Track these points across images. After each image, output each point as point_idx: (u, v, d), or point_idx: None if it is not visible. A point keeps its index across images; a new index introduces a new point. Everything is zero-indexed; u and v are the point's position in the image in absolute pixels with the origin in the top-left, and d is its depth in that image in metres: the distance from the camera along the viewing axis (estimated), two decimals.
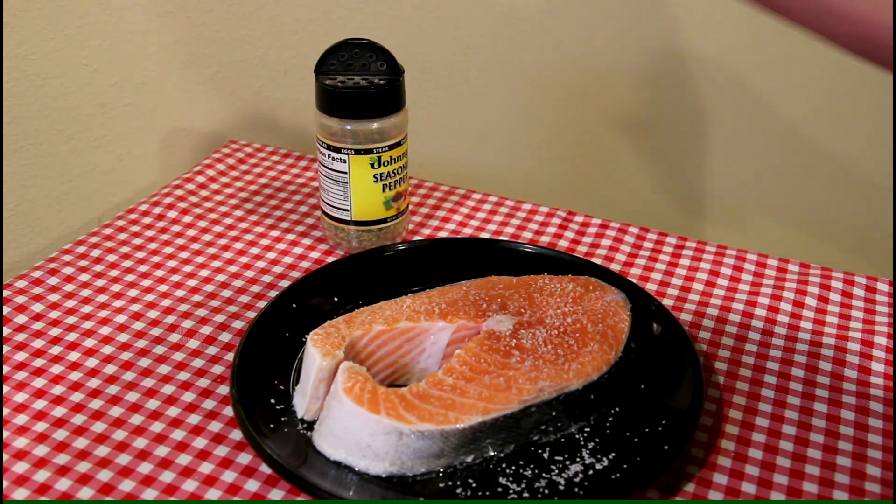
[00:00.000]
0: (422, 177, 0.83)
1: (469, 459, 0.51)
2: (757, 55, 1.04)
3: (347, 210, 0.69)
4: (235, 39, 0.89)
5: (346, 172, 0.67)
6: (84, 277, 0.68)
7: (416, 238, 0.74)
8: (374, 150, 0.66)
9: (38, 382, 0.58)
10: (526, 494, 0.49)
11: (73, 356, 0.60)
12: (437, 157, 1.12)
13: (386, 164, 0.67)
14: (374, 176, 0.67)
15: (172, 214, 0.77)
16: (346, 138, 0.66)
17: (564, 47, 0.98)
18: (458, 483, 0.50)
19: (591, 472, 0.50)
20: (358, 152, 0.66)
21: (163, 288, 0.67)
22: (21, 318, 0.64)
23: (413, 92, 1.11)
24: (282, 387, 0.55)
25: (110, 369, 0.59)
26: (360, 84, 0.65)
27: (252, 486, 0.51)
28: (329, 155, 0.67)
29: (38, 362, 0.60)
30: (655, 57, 1.07)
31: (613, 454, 0.51)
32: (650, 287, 0.68)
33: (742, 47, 1.03)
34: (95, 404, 0.56)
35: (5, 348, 0.61)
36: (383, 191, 0.68)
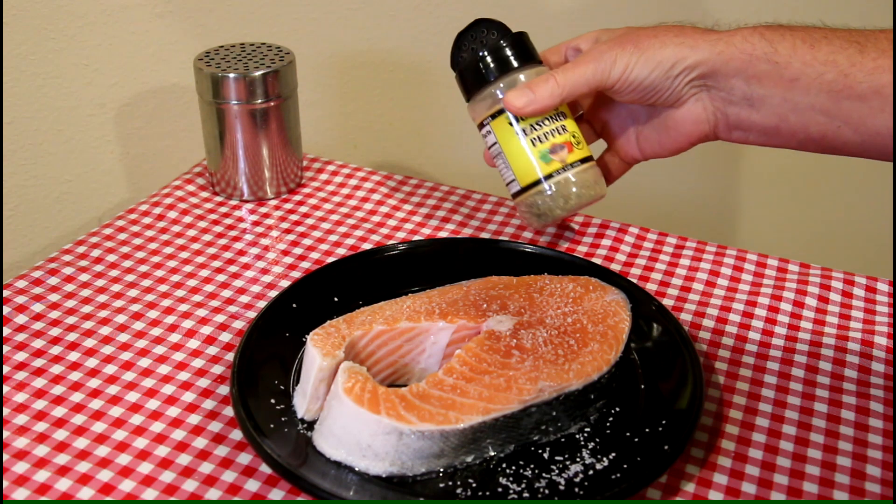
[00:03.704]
0: (422, 177, 0.83)
1: (469, 459, 0.51)
2: None
3: (514, 180, 0.68)
4: (235, 38, 0.89)
5: (496, 143, 0.67)
6: (84, 277, 0.68)
7: (417, 238, 0.74)
8: (505, 109, 0.66)
9: (38, 382, 0.58)
10: (526, 494, 0.49)
11: (74, 356, 0.60)
12: (437, 157, 1.12)
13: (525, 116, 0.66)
14: (519, 132, 0.66)
15: (172, 214, 0.77)
16: (479, 110, 0.67)
17: None
18: (459, 483, 0.50)
19: (591, 472, 0.50)
20: (493, 117, 0.67)
21: (163, 288, 0.68)
22: (21, 318, 0.64)
23: (413, 92, 1.11)
24: (282, 387, 0.55)
25: (110, 369, 0.59)
26: (467, 58, 0.66)
27: (252, 486, 0.51)
28: (484, 137, 0.68)
29: (38, 362, 0.60)
30: None
31: (613, 454, 0.51)
32: (650, 287, 0.68)
33: None
34: (95, 404, 0.56)
35: (5, 348, 0.61)
36: (534, 144, 0.66)
